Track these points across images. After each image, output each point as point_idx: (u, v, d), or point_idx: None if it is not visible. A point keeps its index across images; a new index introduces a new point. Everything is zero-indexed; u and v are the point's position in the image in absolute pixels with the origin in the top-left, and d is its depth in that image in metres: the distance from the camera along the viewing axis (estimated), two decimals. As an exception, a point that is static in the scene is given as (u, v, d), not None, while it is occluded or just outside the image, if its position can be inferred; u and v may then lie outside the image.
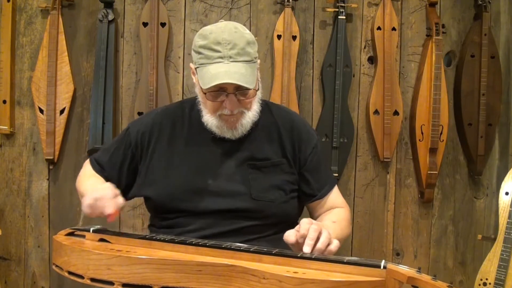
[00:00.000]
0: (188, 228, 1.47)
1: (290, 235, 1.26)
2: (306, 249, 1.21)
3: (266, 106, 1.61)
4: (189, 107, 1.62)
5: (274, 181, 1.52)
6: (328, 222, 1.53)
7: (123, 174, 1.61)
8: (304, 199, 1.60)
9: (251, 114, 1.50)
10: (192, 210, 1.49)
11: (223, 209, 1.47)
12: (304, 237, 1.24)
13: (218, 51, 1.39)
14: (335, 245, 1.26)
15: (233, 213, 1.47)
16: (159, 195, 1.53)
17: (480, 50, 2.60)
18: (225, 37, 1.40)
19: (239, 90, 1.43)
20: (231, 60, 1.39)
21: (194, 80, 1.53)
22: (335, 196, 1.63)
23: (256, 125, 1.53)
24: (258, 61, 1.49)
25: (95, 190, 1.39)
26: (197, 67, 1.44)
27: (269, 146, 1.55)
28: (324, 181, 1.60)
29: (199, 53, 1.43)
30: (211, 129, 1.51)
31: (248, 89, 1.43)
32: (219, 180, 1.50)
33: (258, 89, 1.50)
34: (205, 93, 1.44)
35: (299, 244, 1.25)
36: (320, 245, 1.23)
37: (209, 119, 1.50)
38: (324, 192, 1.60)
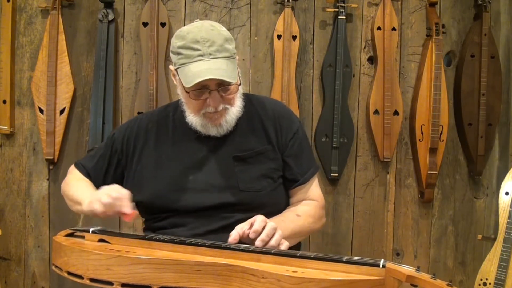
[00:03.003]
0: (182, 228, 1.48)
1: (233, 234, 1.29)
2: (259, 243, 1.26)
3: (247, 98, 1.61)
4: (173, 110, 1.63)
5: (260, 170, 1.53)
6: (291, 214, 1.54)
7: (108, 181, 1.60)
8: (287, 185, 1.60)
9: (235, 110, 1.50)
10: (182, 208, 1.49)
11: (213, 205, 1.48)
12: (257, 232, 1.28)
13: (198, 50, 1.40)
14: (284, 246, 1.30)
15: (223, 207, 1.48)
16: (149, 197, 1.53)
17: (480, 50, 2.60)
18: (203, 35, 1.41)
19: (221, 87, 1.44)
20: (211, 57, 1.40)
21: (175, 82, 1.53)
22: (313, 187, 1.62)
23: (240, 118, 1.54)
24: (237, 57, 1.50)
25: (110, 189, 1.39)
26: (178, 68, 1.45)
27: (253, 136, 1.56)
28: (306, 166, 1.60)
29: (179, 53, 1.43)
30: (195, 128, 1.51)
31: (230, 84, 1.43)
32: (206, 176, 1.51)
33: (240, 84, 1.51)
34: (188, 92, 1.45)
35: (249, 239, 1.28)
36: (273, 242, 1.27)
37: (193, 119, 1.50)
38: (306, 177, 1.59)
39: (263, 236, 1.27)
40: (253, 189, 1.50)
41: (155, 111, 1.72)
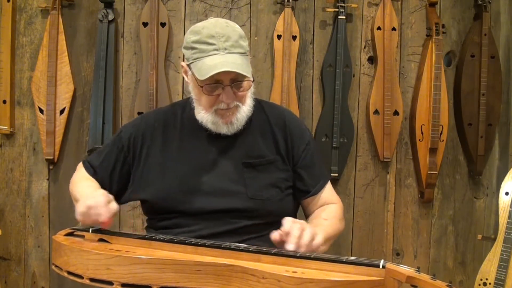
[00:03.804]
0: (186, 229, 1.47)
1: (274, 234, 1.27)
2: (290, 246, 1.22)
3: (259, 104, 1.61)
4: (181, 108, 1.62)
5: (269, 179, 1.52)
6: (319, 220, 1.54)
7: (114, 178, 1.60)
8: (299, 196, 1.60)
9: (246, 109, 1.50)
10: (189, 210, 1.49)
11: (220, 209, 1.47)
12: (288, 234, 1.25)
13: (213, 44, 1.40)
14: (318, 240, 1.26)
15: (231, 213, 1.47)
16: (156, 197, 1.52)
17: (480, 50, 2.60)
18: (218, 30, 1.42)
19: (235, 82, 1.44)
20: (227, 51, 1.40)
21: (186, 79, 1.53)
22: (328, 192, 1.63)
23: (249, 122, 1.54)
24: (249, 56, 1.50)
25: (89, 197, 1.38)
26: (191, 63, 1.44)
27: (263, 143, 1.56)
28: (317, 177, 1.60)
29: (193, 48, 1.43)
30: (206, 125, 1.50)
31: (243, 80, 1.43)
32: (214, 179, 1.51)
33: (253, 80, 1.51)
34: (201, 87, 1.44)
35: (284, 242, 1.26)
36: (304, 240, 1.23)
37: (204, 116, 1.49)
38: (317, 188, 1.60)
39: (292, 238, 1.25)
40: (261, 197, 1.49)
41: (162, 109, 1.71)
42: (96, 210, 1.32)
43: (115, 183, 1.60)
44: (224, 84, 1.43)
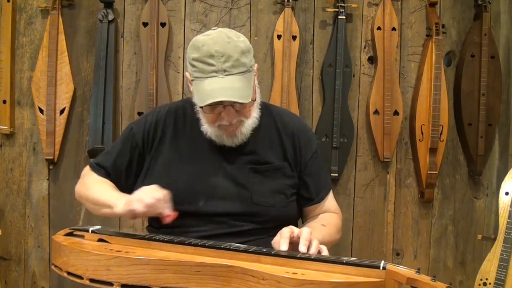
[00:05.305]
0: (188, 229, 1.47)
1: (282, 244, 1.25)
2: (303, 248, 1.22)
3: (267, 108, 1.60)
4: (191, 106, 1.59)
5: (275, 185, 1.52)
6: (317, 224, 1.54)
7: (131, 176, 1.58)
8: (302, 203, 1.60)
9: (251, 122, 1.48)
10: (193, 211, 1.48)
11: (224, 212, 1.47)
12: (308, 240, 1.25)
13: (212, 65, 1.36)
14: (326, 252, 1.26)
15: (234, 216, 1.47)
16: None
17: (480, 50, 2.60)
18: (218, 49, 1.37)
19: (236, 102, 1.41)
20: (226, 73, 1.36)
21: (191, 89, 1.50)
22: (330, 201, 1.63)
23: (257, 128, 1.52)
24: (256, 65, 1.47)
25: (152, 190, 1.37)
26: (192, 80, 1.43)
27: (270, 150, 1.55)
28: (322, 186, 1.61)
29: (193, 66, 1.40)
30: (210, 138, 1.49)
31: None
32: (220, 182, 1.50)
33: (255, 100, 1.49)
34: (201, 107, 1.43)
35: (291, 245, 1.25)
36: (313, 249, 1.23)
37: (208, 129, 1.48)
38: (321, 196, 1.60)
39: (303, 240, 1.25)
40: (265, 203, 1.49)
41: (172, 105, 1.67)
42: (163, 203, 1.35)
43: (132, 180, 1.58)
44: (224, 104, 1.40)
